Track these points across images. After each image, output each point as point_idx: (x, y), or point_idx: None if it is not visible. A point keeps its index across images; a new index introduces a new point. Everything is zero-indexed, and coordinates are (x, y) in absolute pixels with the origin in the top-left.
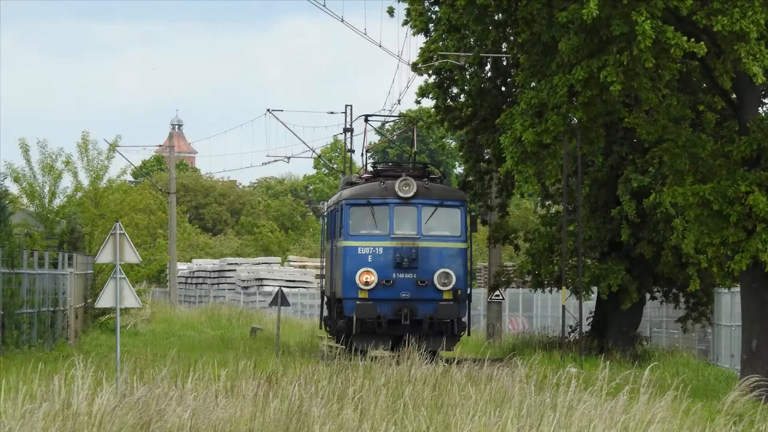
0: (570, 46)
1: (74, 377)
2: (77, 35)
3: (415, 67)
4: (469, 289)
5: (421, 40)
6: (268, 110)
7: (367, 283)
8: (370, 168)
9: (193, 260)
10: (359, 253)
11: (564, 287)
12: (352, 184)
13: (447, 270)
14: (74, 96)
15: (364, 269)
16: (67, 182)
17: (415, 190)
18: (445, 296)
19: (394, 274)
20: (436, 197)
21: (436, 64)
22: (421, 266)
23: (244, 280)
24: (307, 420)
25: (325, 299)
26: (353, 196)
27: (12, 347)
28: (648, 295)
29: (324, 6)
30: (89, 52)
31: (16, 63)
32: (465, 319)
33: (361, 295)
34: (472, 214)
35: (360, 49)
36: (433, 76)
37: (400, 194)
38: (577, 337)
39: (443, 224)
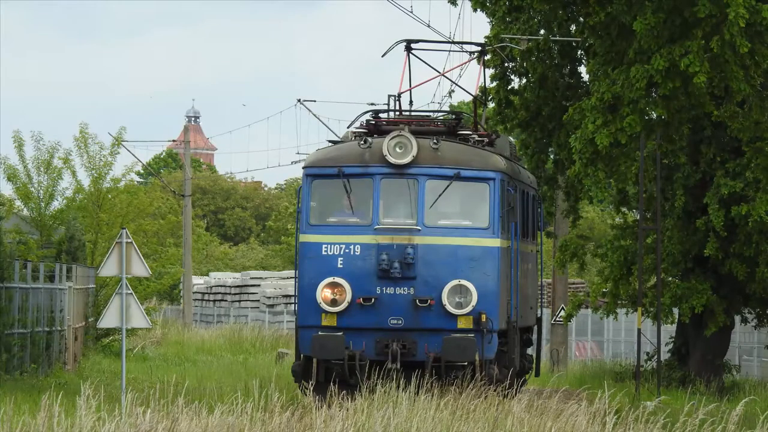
0: (646, 26)
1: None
2: (88, 16)
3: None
4: (539, 311)
5: (476, 19)
6: (299, 100)
7: (334, 303)
8: (368, 118)
9: (211, 273)
10: (323, 253)
11: (639, 307)
12: (335, 144)
13: (463, 282)
14: (76, 85)
15: (330, 280)
16: (66, 182)
17: (414, 151)
18: (461, 324)
19: (378, 289)
20: (449, 163)
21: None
22: (422, 275)
23: (269, 297)
24: None
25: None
26: (317, 162)
27: (1, 373)
28: (738, 318)
29: None
30: (107, 33)
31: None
32: (488, 355)
33: (325, 321)
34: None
35: (406, 29)
36: (492, 70)
37: (391, 159)
38: (655, 366)
39: (460, 208)
